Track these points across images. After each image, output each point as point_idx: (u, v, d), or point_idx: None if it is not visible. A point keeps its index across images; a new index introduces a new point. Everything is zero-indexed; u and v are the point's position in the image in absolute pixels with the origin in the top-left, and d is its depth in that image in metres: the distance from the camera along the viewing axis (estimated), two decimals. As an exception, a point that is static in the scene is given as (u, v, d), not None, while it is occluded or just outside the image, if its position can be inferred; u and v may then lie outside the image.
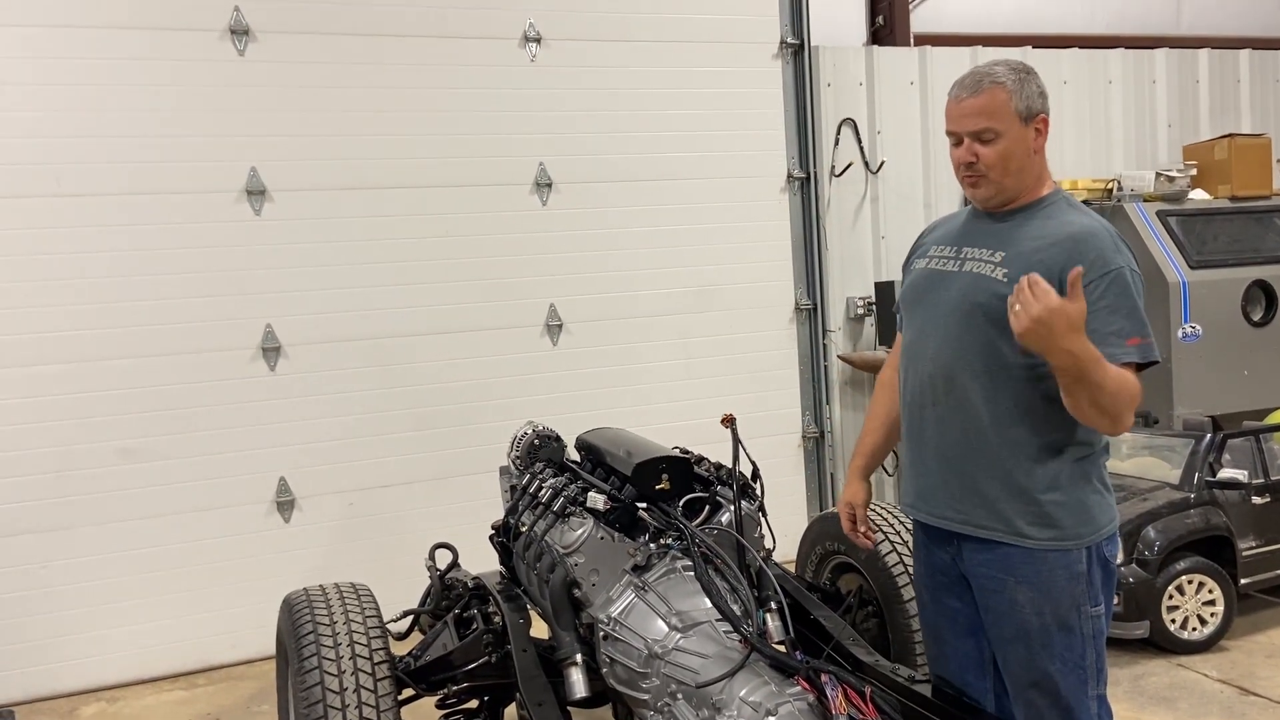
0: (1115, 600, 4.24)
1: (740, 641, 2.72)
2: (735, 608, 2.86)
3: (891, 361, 2.88)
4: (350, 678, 2.86)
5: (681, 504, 3.18)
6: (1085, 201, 6.65)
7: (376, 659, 2.93)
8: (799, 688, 2.55)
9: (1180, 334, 6.25)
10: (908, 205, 6.76)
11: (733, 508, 3.14)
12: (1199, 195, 6.70)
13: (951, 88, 2.51)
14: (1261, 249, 6.55)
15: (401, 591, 4.00)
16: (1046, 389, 2.38)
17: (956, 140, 2.50)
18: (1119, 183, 6.74)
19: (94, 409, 4.87)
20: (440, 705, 3.34)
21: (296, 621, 3.02)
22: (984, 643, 2.66)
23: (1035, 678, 2.51)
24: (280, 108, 5.16)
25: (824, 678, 2.55)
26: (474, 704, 3.37)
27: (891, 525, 3.65)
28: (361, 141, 5.33)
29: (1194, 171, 6.72)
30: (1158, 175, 6.60)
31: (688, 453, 3.55)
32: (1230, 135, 6.84)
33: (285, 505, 5.23)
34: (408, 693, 3.26)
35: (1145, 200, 6.56)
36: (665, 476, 3.23)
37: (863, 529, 2.99)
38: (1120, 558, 2.65)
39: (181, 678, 4.92)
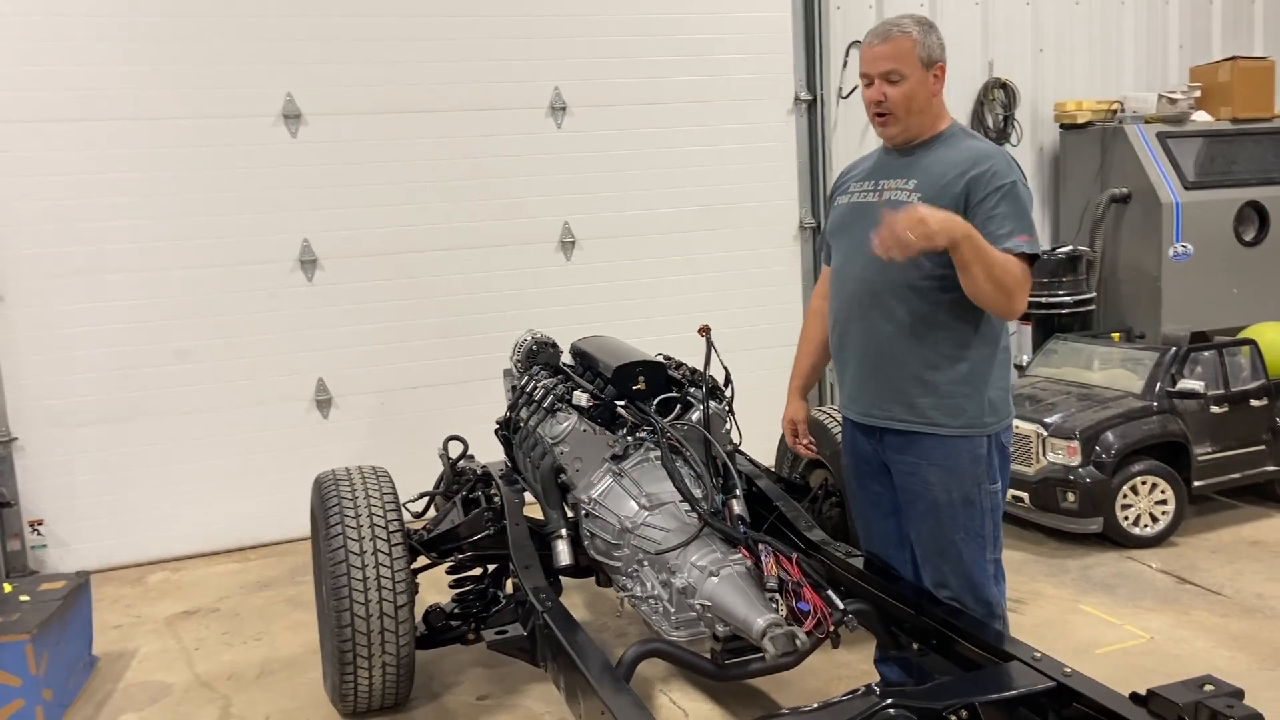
0: (1071, 498, 4.70)
1: (696, 518, 3.20)
2: (697, 491, 3.33)
3: (820, 290, 3.30)
4: (369, 543, 3.39)
5: (656, 402, 3.63)
6: (1087, 123, 6.90)
7: (391, 528, 3.45)
8: (740, 555, 3.03)
9: (1171, 253, 6.50)
10: (914, 126, 6.98)
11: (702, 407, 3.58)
12: (1201, 117, 6.85)
13: (865, 35, 2.91)
14: (1257, 170, 6.72)
15: (426, 478, 4.46)
16: (954, 300, 2.78)
17: (868, 81, 2.88)
18: (1122, 104, 6.91)
19: (152, 314, 5.40)
20: (450, 572, 3.87)
21: (324, 496, 3.54)
22: (902, 521, 3.11)
23: (942, 546, 2.96)
24: (312, 37, 5.55)
25: (760, 547, 3.02)
26: (478, 571, 3.89)
27: (851, 425, 4.08)
28: (389, 67, 5.71)
29: (1198, 94, 6.86)
30: (1160, 97, 6.76)
31: (669, 359, 4.00)
32: (1234, 58, 6.94)
33: (324, 403, 5.79)
34: (422, 561, 3.80)
35: (1147, 122, 6.74)
36: (642, 378, 3.68)
37: (804, 441, 3.42)
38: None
39: (235, 552, 5.55)
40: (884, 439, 3.03)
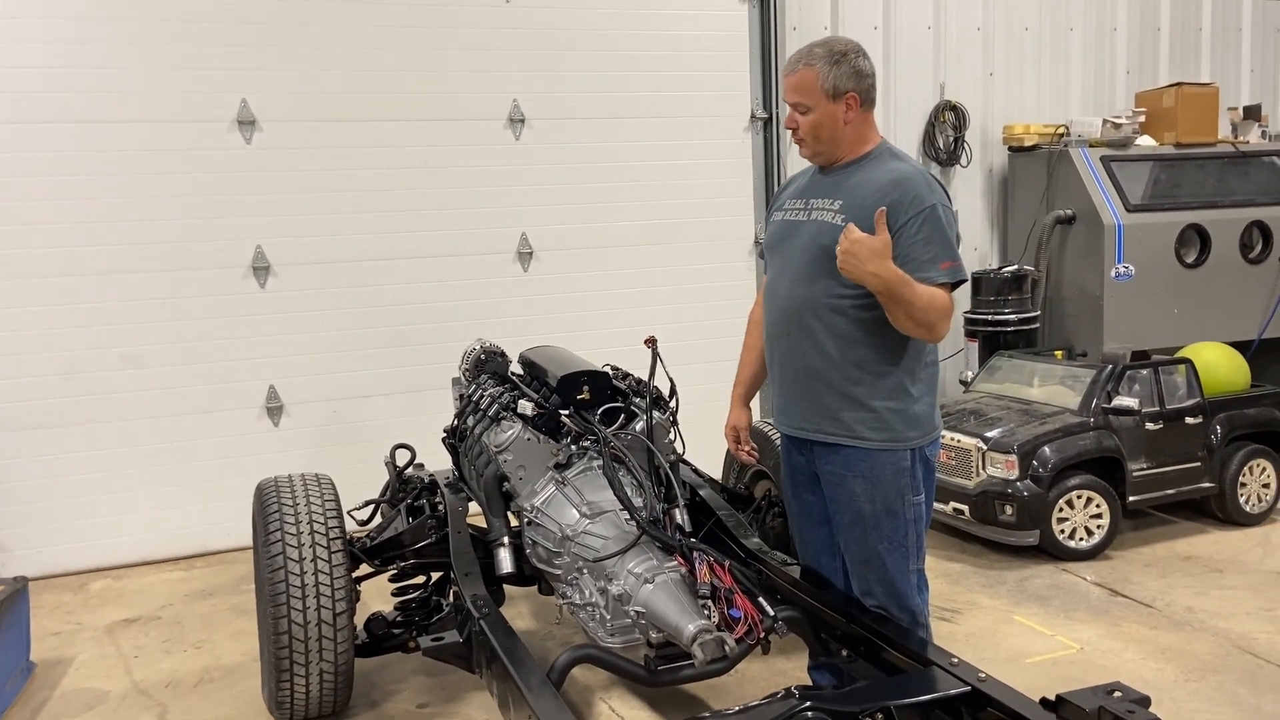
0: (1009, 511, 4.80)
1: (635, 526, 3.24)
2: (638, 500, 3.38)
3: (760, 300, 3.36)
4: (309, 549, 3.40)
5: (600, 412, 3.68)
6: (1034, 146, 7.05)
7: (332, 535, 3.46)
8: (675, 562, 3.08)
9: (1113, 273, 6.65)
10: (867, 145, 7.11)
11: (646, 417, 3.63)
12: (1146, 141, 7.03)
13: (787, 58, 3.00)
14: (1199, 194, 6.90)
15: (377, 486, 4.49)
16: (877, 317, 2.86)
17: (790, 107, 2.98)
18: (1068, 128, 7.08)
19: (101, 318, 5.37)
20: (393, 580, 3.88)
21: (265, 503, 3.55)
22: (833, 530, 3.17)
23: (867, 555, 3.03)
24: (268, 43, 5.56)
25: (695, 555, 3.08)
26: (421, 580, 3.90)
27: (794, 438, 4.15)
28: (346, 75, 5.73)
29: (1142, 118, 7.03)
30: (1105, 122, 6.93)
31: (615, 369, 4.05)
32: (1179, 84, 7.14)
33: (275, 411, 5.78)
34: (365, 569, 3.82)
35: (1091, 146, 6.90)
36: (586, 388, 3.73)
37: (745, 448, 3.48)
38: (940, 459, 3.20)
39: (181, 560, 5.52)
40: (814, 450, 3.10)
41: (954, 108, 7.22)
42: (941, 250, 2.80)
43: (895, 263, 2.73)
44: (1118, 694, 2.27)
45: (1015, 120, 7.37)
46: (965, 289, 6.88)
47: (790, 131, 3.01)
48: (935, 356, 3.05)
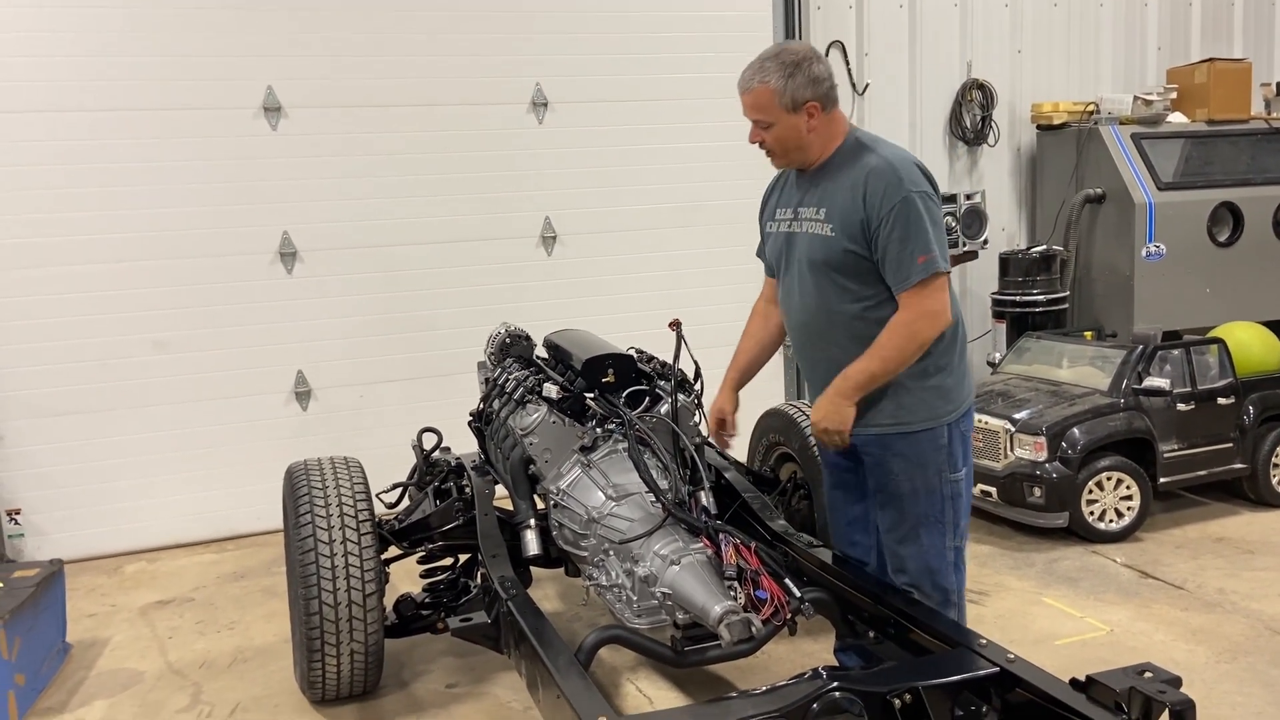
0: (1038, 493, 4.77)
1: (660, 508, 3.24)
2: (663, 482, 3.38)
3: (766, 294, 3.39)
4: (338, 532, 3.43)
5: (625, 395, 3.68)
6: (1063, 124, 6.96)
7: (361, 518, 3.49)
8: (701, 544, 3.08)
9: (1144, 253, 6.57)
10: (893, 127, 7.04)
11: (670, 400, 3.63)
12: (1177, 118, 6.92)
13: (741, 72, 2.93)
14: (1231, 172, 6.79)
15: (404, 470, 4.51)
16: (892, 310, 2.87)
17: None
18: (1098, 105, 6.98)
19: (131, 306, 5.43)
20: (421, 562, 3.91)
21: (295, 486, 3.58)
22: (870, 508, 3.17)
23: (903, 532, 3.04)
24: (293, 29, 5.58)
25: (721, 536, 3.08)
26: (449, 562, 3.94)
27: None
28: (370, 61, 5.74)
29: (1174, 95, 6.92)
30: (1136, 99, 6.82)
31: (640, 352, 4.05)
32: (1211, 60, 7.01)
33: (303, 395, 5.83)
34: (393, 551, 3.85)
35: (1122, 123, 6.81)
36: (611, 371, 3.73)
37: (726, 434, 3.49)
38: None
39: (212, 543, 5.59)
40: (853, 432, 3.09)
41: (981, 86, 7.13)
42: (917, 243, 2.78)
43: (879, 266, 2.82)
44: (1148, 675, 2.25)
45: (1044, 98, 7.27)
46: (992, 269, 6.85)
47: (756, 144, 2.99)
48: (957, 315, 3.02)
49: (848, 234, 2.85)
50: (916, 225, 2.78)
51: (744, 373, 3.45)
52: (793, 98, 2.84)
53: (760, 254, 3.36)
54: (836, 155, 2.95)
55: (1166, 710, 2.08)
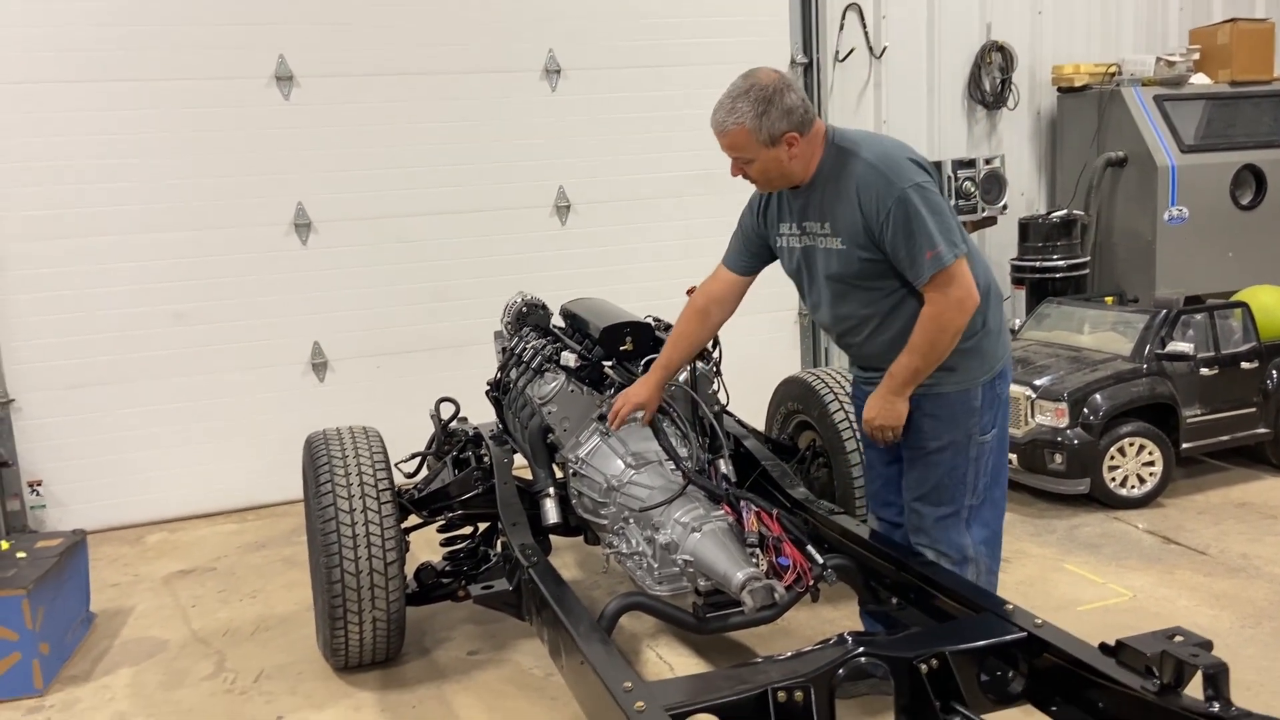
0: (1059, 459, 4.74)
1: (680, 475, 3.23)
2: (683, 450, 3.37)
3: (712, 290, 3.30)
4: (359, 500, 3.44)
5: (643, 363, 3.66)
6: (1084, 86, 6.85)
7: (381, 486, 3.50)
8: (722, 511, 3.07)
9: (1166, 217, 6.49)
10: (911, 91, 6.96)
11: (689, 368, 3.61)
12: (1200, 80, 6.81)
13: (713, 111, 2.88)
14: (1254, 134, 6.69)
15: (420, 440, 4.51)
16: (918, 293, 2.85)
17: None
18: (1120, 67, 6.86)
19: (149, 278, 5.42)
20: (441, 531, 3.91)
21: (314, 455, 3.58)
22: (902, 469, 3.15)
23: (924, 491, 3.04)
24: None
25: (742, 503, 3.07)
26: (468, 530, 3.94)
27: (842, 387, 4.11)
28: (381, 29, 5.69)
29: (1196, 56, 6.81)
30: (1158, 60, 6.71)
31: (658, 321, 4.02)
32: (1234, 20, 6.89)
33: (319, 366, 5.83)
34: (413, 520, 3.85)
35: (1144, 85, 6.70)
36: (629, 339, 3.72)
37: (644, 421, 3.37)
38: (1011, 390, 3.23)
39: (233, 513, 5.61)
40: None
41: (1001, 48, 7.02)
42: (922, 240, 2.73)
43: (895, 266, 2.80)
44: (1179, 639, 2.23)
45: (1064, 60, 7.16)
46: (1011, 235, 6.78)
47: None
48: (987, 274, 2.99)
49: (857, 243, 2.84)
50: (916, 222, 2.73)
51: (669, 371, 3.34)
52: (769, 134, 2.79)
53: (728, 257, 3.29)
54: (821, 169, 2.90)
55: (1199, 674, 2.06)
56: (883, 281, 2.88)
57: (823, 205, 2.91)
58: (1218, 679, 2.04)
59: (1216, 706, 2.01)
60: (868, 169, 2.80)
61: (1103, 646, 2.28)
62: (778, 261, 3.24)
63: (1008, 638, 2.36)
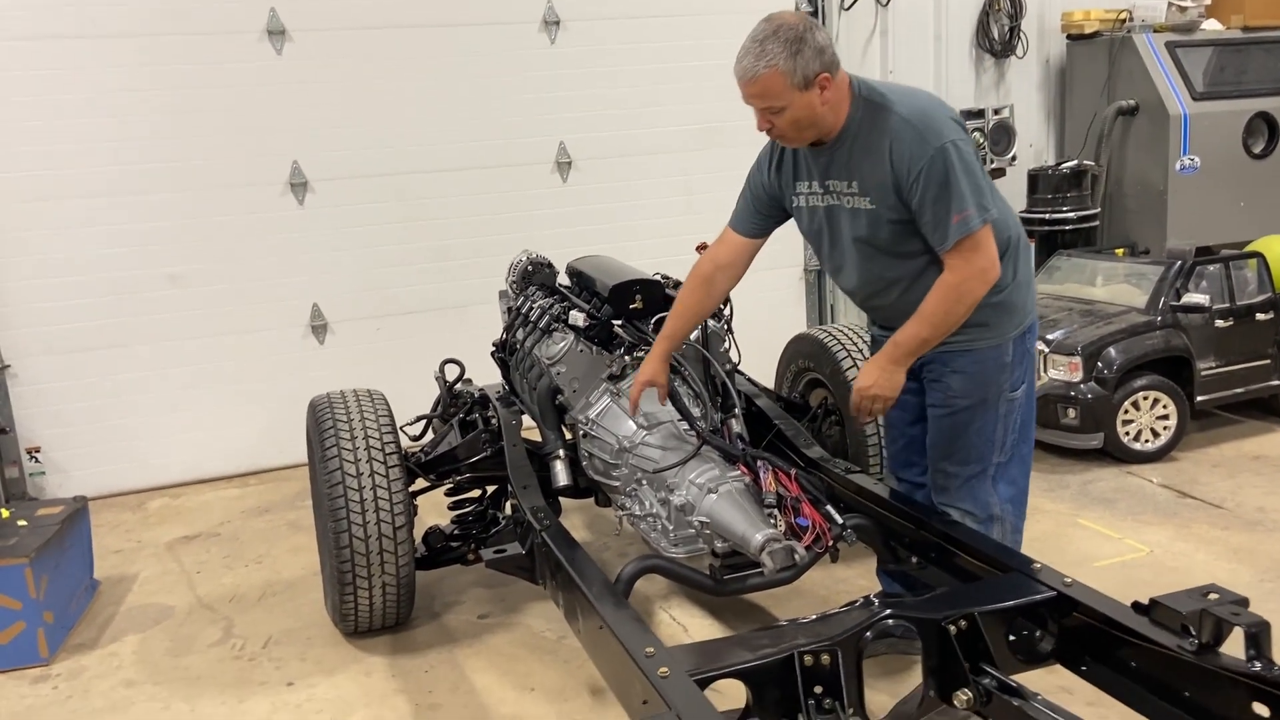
0: (1072, 414, 4.68)
1: (694, 435, 3.16)
2: (696, 410, 3.29)
3: (718, 256, 3.15)
4: (365, 464, 3.37)
5: (653, 321, 3.57)
6: (1095, 33, 6.70)
7: (388, 450, 3.43)
8: (738, 472, 3.00)
9: (1178, 166, 6.37)
10: (917, 40, 6.81)
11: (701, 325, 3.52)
12: (1211, 25, 6.66)
13: (736, 59, 2.69)
14: (1267, 80, 6.56)
15: (424, 403, 4.46)
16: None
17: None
18: (1131, 13, 6.71)
19: (143, 239, 5.29)
20: (449, 494, 3.86)
21: (319, 419, 3.51)
22: (926, 429, 3.08)
23: (951, 449, 2.96)
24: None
25: (759, 464, 3.00)
26: (477, 493, 3.88)
27: (855, 344, 4.03)
28: (375, -19, 5.53)
29: (1208, 1, 6.65)
30: (1170, 5, 6.56)
31: (666, 278, 3.93)
32: (1248, -38, 6.73)
33: (319, 329, 5.73)
34: (421, 484, 3.79)
35: (1156, 31, 6.55)
36: (639, 297, 3.62)
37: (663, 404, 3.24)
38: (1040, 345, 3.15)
39: (235, 478, 5.55)
40: None
41: (1009, -5, 6.86)
42: (952, 201, 2.62)
43: (919, 228, 2.70)
44: (1214, 595, 2.17)
45: (1074, 6, 6.99)
46: (1020, 187, 6.66)
47: (765, 130, 2.79)
48: (1014, 229, 2.90)
49: (886, 203, 2.72)
50: (949, 181, 2.61)
51: (675, 341, 3.21)
52: (804, 75, 2.62)
53: (736, 219, 3.16)
54: (849, 124, 2.75)
55: (1240, 632, 2.00)
56: (911, 245, 2.78)
57: (850, 162, 2.78)
58: (1259, 637, 1.99)
59: (1259, 665, 1.95)
60: (903, 124, 2.66)
61: (1135, 605, 2.22)
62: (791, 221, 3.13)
63: (1037, 597, 2.31)
